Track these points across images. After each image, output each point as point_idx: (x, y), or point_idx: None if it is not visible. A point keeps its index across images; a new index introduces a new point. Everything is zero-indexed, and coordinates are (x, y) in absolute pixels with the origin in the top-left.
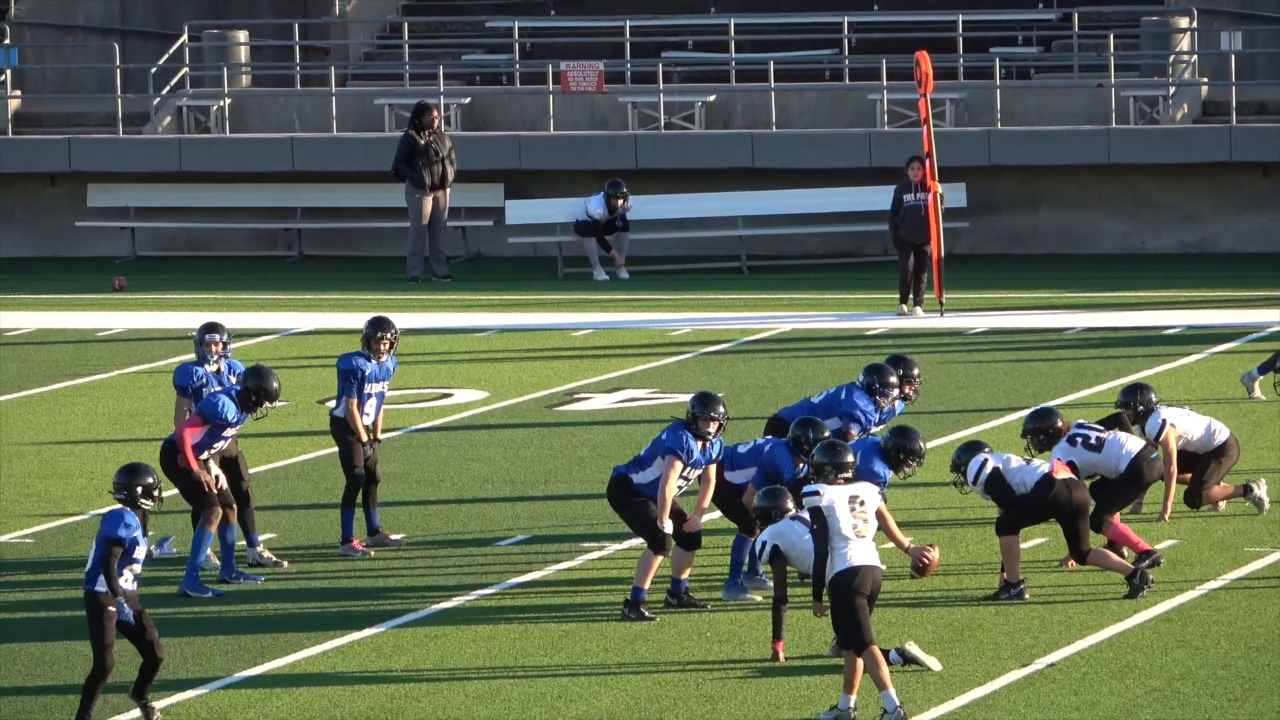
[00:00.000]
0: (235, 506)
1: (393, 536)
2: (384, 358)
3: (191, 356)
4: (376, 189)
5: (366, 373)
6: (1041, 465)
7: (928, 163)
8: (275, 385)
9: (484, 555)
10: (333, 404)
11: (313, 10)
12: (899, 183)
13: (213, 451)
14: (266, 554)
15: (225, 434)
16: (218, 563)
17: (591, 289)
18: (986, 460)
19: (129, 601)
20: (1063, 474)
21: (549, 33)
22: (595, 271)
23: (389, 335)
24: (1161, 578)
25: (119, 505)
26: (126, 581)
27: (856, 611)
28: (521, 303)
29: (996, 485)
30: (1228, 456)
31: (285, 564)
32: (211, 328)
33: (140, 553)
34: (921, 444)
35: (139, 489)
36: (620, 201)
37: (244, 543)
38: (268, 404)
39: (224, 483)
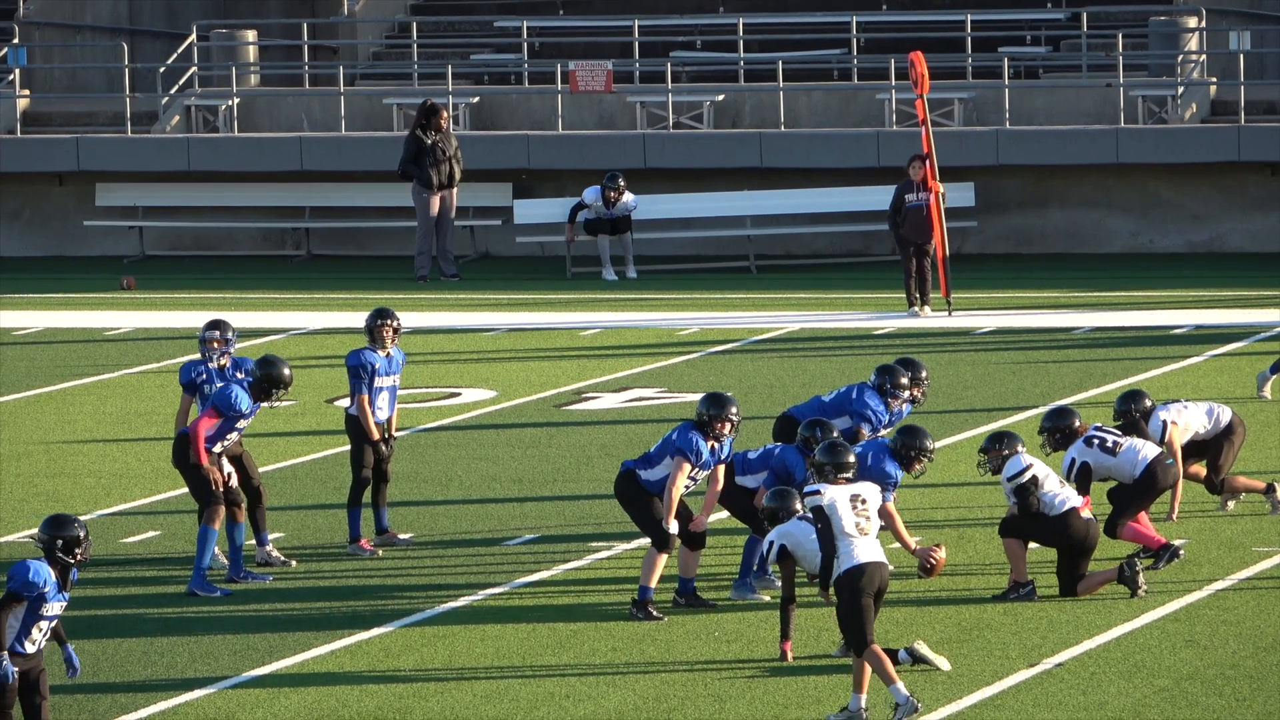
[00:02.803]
0: (244, 505)
1: (401, 536)
2: (390, 347)
3: (198, 355)
4: (384, 188)
5: (376, 366)
6: (1071, 499)
7: (928, 162)
8: (287, 372)
9: (492, 555)
10: (344, 402)
11: (321, 10)
12: (900, 182)
13: (226, 443)
14: (275, 553)
15: (239, 425)
16: (225, 561)
17: (600, 288)
18: (1031, 467)
19: (23, 660)
20: (1087, 513)
21: (557, 32)
22: (604, 271)
23: (391, 322)
24: (1169, 577)
25: (40, 556)
26: (32, 641)
27: (861, 611)
28: (529, 302)
29: (1025, 494)
30: (1236, 434)
31: (293, 563)
32: (213, 325)
33: (51, 609)
34: (929, 441)
35: (59, 542)
36: (614, 195)
37: (253, 542)
38: (280, 391)
39: (234, 480)
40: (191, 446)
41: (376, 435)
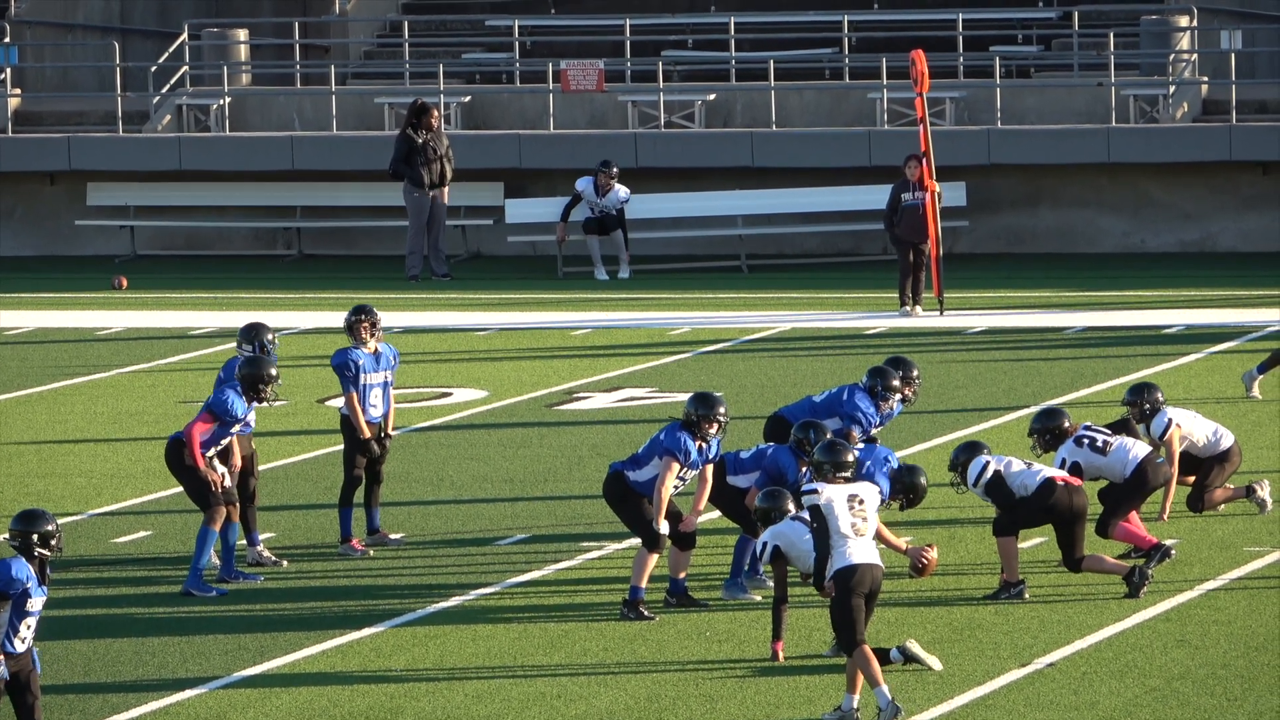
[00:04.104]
0: (238, 504)
1: (392, 536)
2: (371, 343)
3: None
4: (376, 188)
5: (361, 363)
6: (1043, 470)
7: (925, 161)
8: (271, 370)
9: (483, 555)
10: (337, 402)
11: (313, 9)
12: (896, 181)
13: (219, 448)
14: (266, 553)
15: (232, 430)
16: (218, 562)
17: (591, 288)
18: (988, 463)
19: (14, 661)
20: (1064, 479)
21: (549, 31)
22: (596, 270)
23: (367, 318)
24: (1161, 577)
25: (14, 554)
26: (21, 639)
27: (851, 611)
28: (521, 302)
29: (997, 488)
30: (1230, 462)
31: (285, 563)
32: (262, 329)
33: (35, 604)
34: (924, 480)
35: (34, 537)
36: (606, 179)
37: (244, 542)
38: (270, 388)
39: (229, 481)
40: (187, 450)
41: (367, 434)
